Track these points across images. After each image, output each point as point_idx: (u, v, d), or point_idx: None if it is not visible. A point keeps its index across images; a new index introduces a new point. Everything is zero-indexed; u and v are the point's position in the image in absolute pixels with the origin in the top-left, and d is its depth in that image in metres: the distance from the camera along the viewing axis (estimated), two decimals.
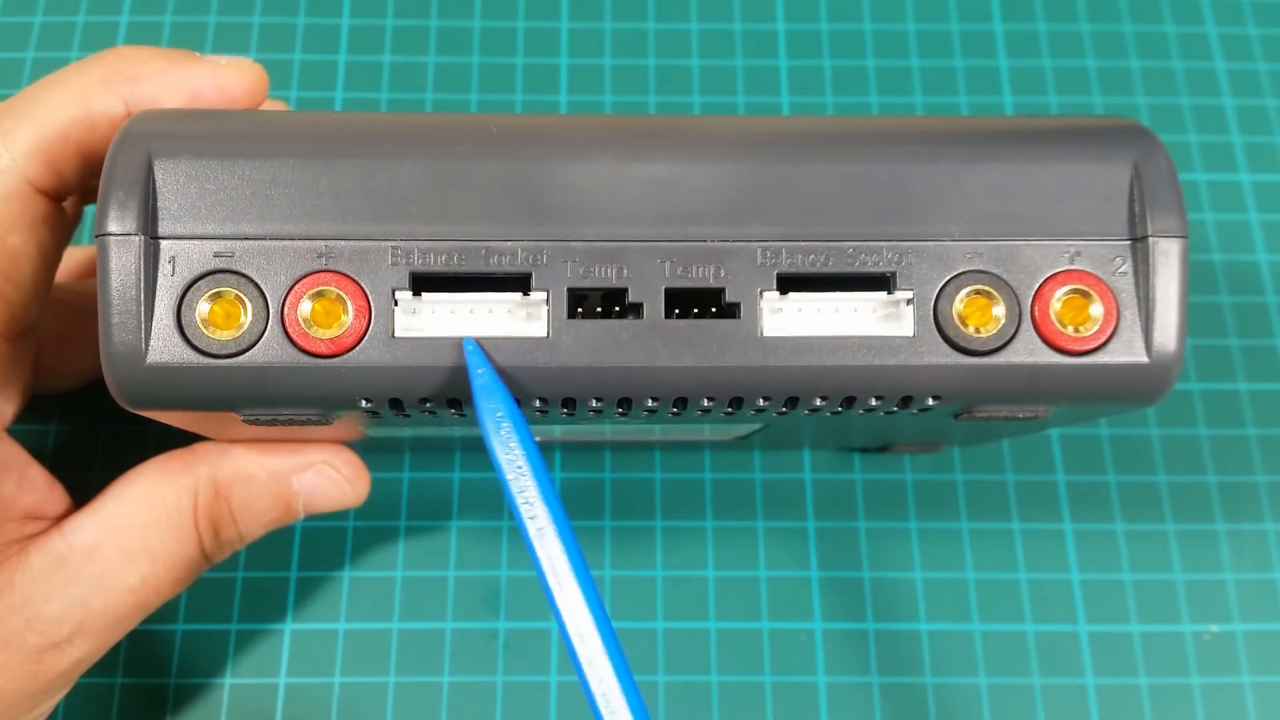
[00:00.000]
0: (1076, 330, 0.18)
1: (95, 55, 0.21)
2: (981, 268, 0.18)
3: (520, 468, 0.17)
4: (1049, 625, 0.29)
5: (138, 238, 0.17)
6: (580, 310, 0.18)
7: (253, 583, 0.29)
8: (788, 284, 0.18)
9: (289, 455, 0.23)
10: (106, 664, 0.28)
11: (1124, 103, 0.35)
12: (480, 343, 0.18)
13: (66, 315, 0.26)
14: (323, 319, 0.17)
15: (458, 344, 0.18)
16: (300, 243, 0.18)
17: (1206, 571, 0.30)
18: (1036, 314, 0.18)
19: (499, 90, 0.34)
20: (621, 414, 0.19)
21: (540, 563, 0.17)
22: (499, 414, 0.17)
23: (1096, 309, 0.18)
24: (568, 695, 0.28)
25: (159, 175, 0.17)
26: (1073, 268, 0.18)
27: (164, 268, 0.17)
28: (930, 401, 0.19)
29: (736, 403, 0.19)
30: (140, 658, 0.28)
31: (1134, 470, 0.31)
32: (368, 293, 0.18)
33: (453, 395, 0.18)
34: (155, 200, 0.17)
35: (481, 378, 0.17)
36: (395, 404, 0.18)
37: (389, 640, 0.28)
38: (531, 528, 0.17)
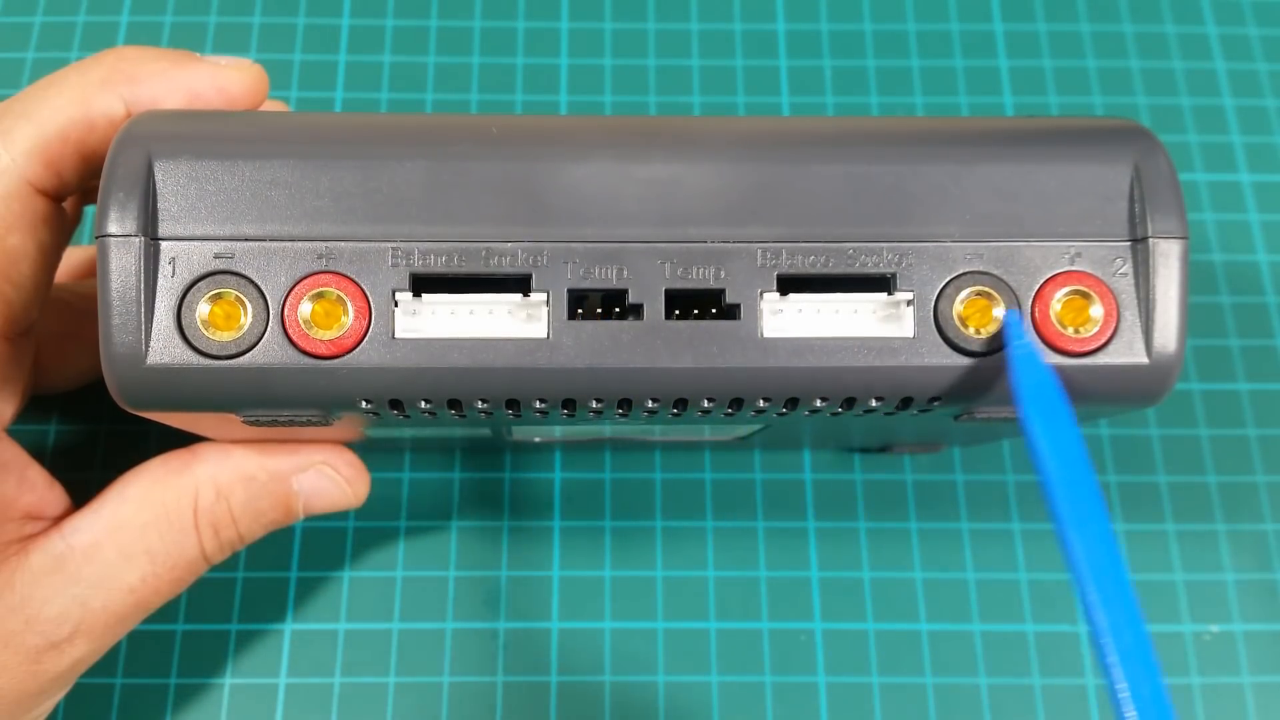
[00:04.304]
0: (1077, 331, 0.18)
1: (95, 55, 0.21)
2: (982, 269, 0.18)
3: (1059, 437, 0.16)
4: (1049, 625, 0.29)
5: (138, 239, 0.17)
6: (580, 311, 0.18)
7: (253, 583, 0.29)
8: (788, 285, 0.18)
9: (289, 456, 0.23)
10: (106, 664, 0.28)
11: (1124, 103, 0.35)
12: (479, 344, 0.18)
13: (66, 315, 0.26)
14: (323, 320, 0.17)
15: (459, 344, 0.18)
16: (300, 244, 0.18)
17: (1206, 571, 0.30)
18: (1037, 315, 0.18)
19: (499, 90, 0.34)
20: (622, 415, 0.19)
21: (1070, 542, 0.15)
22: (1041, 384, 0.16)
23: (1097, 310, 0.18)
24: (568, 695, 0.28)
25: (159, 176, 0.17)
26: (1073, 269, 0.18)
27: (164, 269, 0.17)
28: (930, 402, 0.19)
29: (737, 404, 0.19)
30: (140, 658, 0.28)
31: (1134, 470, 0.31)
32: (368, 294, 0.18)
33: (453, 396, 0.18)
34: (155, 201, 0.17)
35: (1024, 348, 0.17)
36: (395, 405, 0.18)
37: (389, 640, 0.28)
38: (1064, 502, 0.16)
